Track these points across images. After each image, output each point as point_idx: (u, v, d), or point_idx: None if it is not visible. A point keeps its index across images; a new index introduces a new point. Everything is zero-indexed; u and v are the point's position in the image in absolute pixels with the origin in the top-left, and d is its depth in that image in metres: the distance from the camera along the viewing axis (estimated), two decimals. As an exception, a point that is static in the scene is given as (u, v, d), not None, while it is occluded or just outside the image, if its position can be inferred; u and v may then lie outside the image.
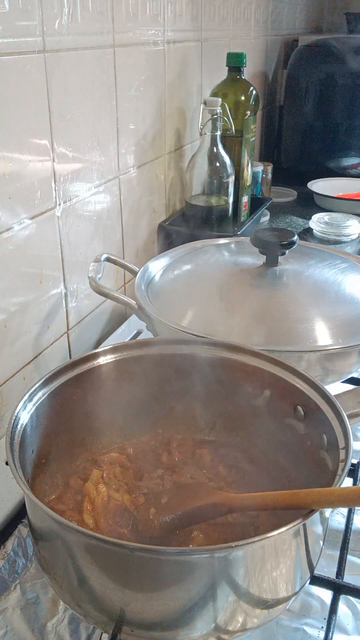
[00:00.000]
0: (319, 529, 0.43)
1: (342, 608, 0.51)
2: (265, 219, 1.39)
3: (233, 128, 1.08)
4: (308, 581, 0.45)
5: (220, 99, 1.03)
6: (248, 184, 1.19)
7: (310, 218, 1.33)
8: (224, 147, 1.06)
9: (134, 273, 0.76)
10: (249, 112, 1.14)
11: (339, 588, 0.51)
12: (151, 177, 1.03)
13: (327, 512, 0.43)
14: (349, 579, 0.51)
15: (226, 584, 0.38)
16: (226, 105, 1.07)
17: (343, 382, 0.70)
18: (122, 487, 0.56)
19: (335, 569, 0.53)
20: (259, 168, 1.43)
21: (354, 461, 0.63)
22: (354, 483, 0.61)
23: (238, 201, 1.16)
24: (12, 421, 0.46)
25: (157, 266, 0.78)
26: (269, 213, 1.40)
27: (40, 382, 0.51)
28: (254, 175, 1.36)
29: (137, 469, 0.57)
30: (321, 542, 0.45)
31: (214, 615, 0.40)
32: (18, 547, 0.56)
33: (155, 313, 0.66)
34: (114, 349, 0.57)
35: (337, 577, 0.52)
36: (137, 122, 0.94)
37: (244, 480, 0.55)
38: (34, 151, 0.68)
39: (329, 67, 1.61)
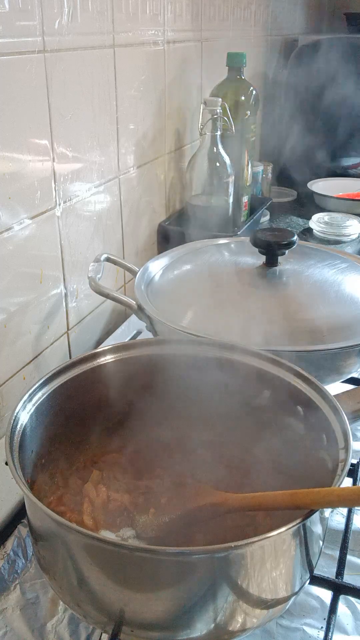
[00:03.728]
0: (318, 529, 0.43)
1: (342, 608, 0.51)
2: (265, 219, 1.39)
3: (233, 128, 1.08)
4: (308, 581, 0.45)
5: (220, 99, 1.03)
6: (248, 184, 1.19)
7: (310, 218, 1.33)
8: (224, 147, 1.06)
9: (134, 273, 0.76)
10: (249, 112, 1.14)
11: (338, 588, 0.51)
12: (151, 177, 1.03)
13: (327, 512, 0.43)
14: (348, 579, 0.52)
15: (226, 584, 0.38)
16: (226, 105, 1.07)
17: (343, 382, 0.70)
18: (122, 487, 0.56)
19: (335, 569, 0.53)
20: (259, 168, 1.43)
21: (354, 461, 0.63)
22: (354, 483, 0.61)
23: (238, 201, 1.16)
24: (12, 421, 0.46)
25: (157, 266, 0.78)
26: (269, 213, 1.40)
27: (40, 382, 0.51)
28: (254, 175, 1.36)
29: (137, 469, 0.57)
30: (321, 542, 0.45)
31: (214, 616, 0.40)
32: (18, 547, 0.56)
33: (155, 313, 0.67)
34: (114, 349, 0.57)
35: (336, 577, 0.52)
36: (137, 122, 0.94)
37: (244, 480, 0.55)
38: (34, 151, 0.68)
39: (329, 67, 1.61)
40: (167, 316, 0.66)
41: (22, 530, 0.58)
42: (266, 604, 0.41)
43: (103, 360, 0.56)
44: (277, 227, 0.97)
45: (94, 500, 0.53)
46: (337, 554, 0.54)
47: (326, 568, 0.53)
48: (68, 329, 0.83)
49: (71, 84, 0.74)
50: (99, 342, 0.92)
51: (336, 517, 0.60)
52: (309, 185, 1.51)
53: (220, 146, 1.05)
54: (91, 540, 0.38)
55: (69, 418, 0.54)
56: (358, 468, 0.62)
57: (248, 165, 1.17)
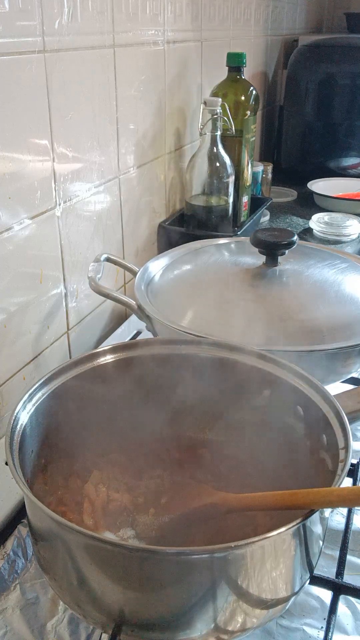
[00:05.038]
0: (318, 529, 0.43)
1: (342, 608, 0.51)
2: (265, 219, 1.39)
3: (233, 128, 1.08)
4: (308, 581, 0.45)
5: (220, 99, 1.03)
6: (248, 184, 1.19)
7: (310, 218, 1.33)
8: (224, 147, 1.06)
9: (134, 273, 0.76)
10: (249, 112, 1.14)
11: (338, 588, 0.51)
12: (151, 177, 1.03)
13: (327, 512, 0.43)
14: (348, 579, 0.52)
15: (226, 584, 0.38)
16: (226, 105, 1.07)
17: (343, 382, 0.70)
18: (122, 487, 0.56)
19: (335, 569, 0.53)
20: (259, 168, 1.43)
21: (354, 461, 0.63)
22: (354, 483, 0.61)
23: (238, 201, 1.16)
24: (12, 421, 0.46)
25: (157, 266, 0.78)
26: (269, 213, 1.40)
27: (40, 382, 0.51)
28: (254, 175, 1.36)
29: (137, 469, 0.57)
30: (321, 542, 0.45)
31: (214, 615, 0.40)
32: (18, 547, 0.56)
33: (155, 313, 0.67)
34: (114, 349, 0.57)
35: (336, 577, 0.52)
36: (137, 122, 0.94)
37: (244, 480, 0.55)
38: (34, 151, 0.68)
39: (329, 67, 1.61)
40: (167, 316, 0.66)
41: (22, 530, 0.58)
42: (266, 604, 0.41)
43: (103, 360, 0.56)
44: (277, 227, 0.97)
45: (94, 500, 0.53)
46: (337, 554, 0.54)
47: (326, 568, 0.53)
48: (68, 329, 0.83)
49: (71, 84, 0.74)
50: (99, 342, 0.92)
51: (336, 517, 0.60)
52: (309, 185, 1.51)
53: (220, 146, 1.05)
54: (91, 540, 0.38)
55: (69, 418, 0.54)
56: (358, 468, 0.62)
57: (248, 165, 1.17)
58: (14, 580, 0.53)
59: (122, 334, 0.92)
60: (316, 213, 1.35)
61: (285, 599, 0.43)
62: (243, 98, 1.13)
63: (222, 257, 0.80)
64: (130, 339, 0.88)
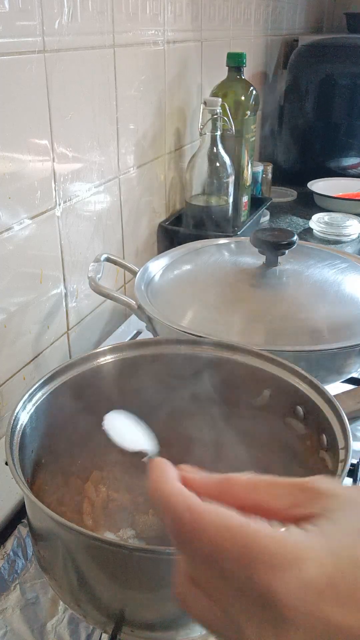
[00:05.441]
0: (318, 529, 0.43)
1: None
2: (265, 219, 1.39)
3: (233, 128, 1.08)
4: (308, 581, 0.45)
5: (220, 99, 1.03)
6: (248, 184, 1.19)
7: (310, 218, 1.33)
8: (224, 147, 1.06)
9: (134, 273, 0.76)
10: (249, 112, 1.14)
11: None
12: (151, 177, 1.03)
13: (327, 512, 0.43)
14: (348, 579, 0.51)
15: (226, 584, 0.38)
16: (226, 105, 1.07)
17: (343, 382, 0.70)
18: (122, 487, 0.56)
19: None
20: (259, 168, 1.43)
21: (354, 461, 0.63)
22: (354, 483, 0.61)
23: (238, 201, 1.16)
24: (12, 421, 0.46)
25: (157, 266, 0.78)
26: (269, 213, 1.40)
27: (40, 382, 0.51)
28: (254, 175, 1.36)
29: (137, 469, 0.57)
30: (321, 542, 0.44)
31: (214, 616, 0.40)
32: (18, 547, 0.56)
33: (155, 313, 0.67)
34: (114, 349, 0.57)
35: (336, 577, 0.52)
36: (137, 122, 0.94)
37: (244, 480, 0.55)
38: (34, 151, 0.68)
39: (329, 67, 1.61)
40: (167, 316, 0.66)
41: (22, 530, 0.58)
42: (266, 604, 0.41)
43: (103, 360, 0.56)
44: (277, 227, 0.97)
45: (94, 500, 0.53)
46: (337, 554, 0.54)
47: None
48: (68, 329, 0.83)
49: (71, 84, 0.74)
50: (99, 342, 0.92)
51: (336, 517, 0.60)
52: (309, 185, 1.51)
53: (220, 146, 1.05)
54: (91, 540, 0.38)
55: (69, 418, 0.54)
56: (358, 468, 0.62)
57: (248, 165, 1.17)
58: (14, 580, 0.53)
59: (122, 334, 0.92)
60: (316, 213, 1.35)
61: (285, 599, 0.43)
62: (243, 98, 1.13)
63: (222, 257, 0.80)
64: (130, 339, 0.88)
